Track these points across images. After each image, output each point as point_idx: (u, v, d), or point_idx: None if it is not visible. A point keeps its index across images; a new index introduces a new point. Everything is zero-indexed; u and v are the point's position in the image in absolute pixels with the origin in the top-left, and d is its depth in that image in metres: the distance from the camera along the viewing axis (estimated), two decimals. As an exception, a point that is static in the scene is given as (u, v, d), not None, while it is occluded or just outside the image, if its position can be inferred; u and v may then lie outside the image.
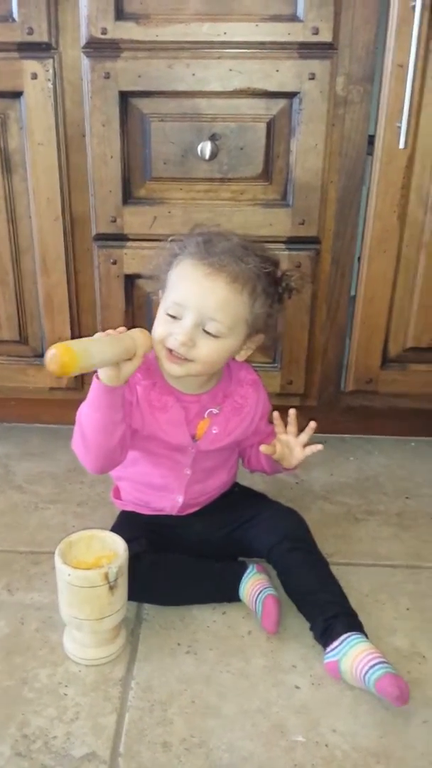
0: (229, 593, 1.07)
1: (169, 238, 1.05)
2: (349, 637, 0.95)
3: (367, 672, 0.90)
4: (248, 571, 1.08)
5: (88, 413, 0.99)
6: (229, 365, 1.11)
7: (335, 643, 0.95)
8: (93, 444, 0.99)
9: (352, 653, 0.93)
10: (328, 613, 0.98)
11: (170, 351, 0.99)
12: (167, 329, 0.99)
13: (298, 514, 1.13)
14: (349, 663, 0.92)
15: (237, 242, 1.01)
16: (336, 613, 0.98)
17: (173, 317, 0.98)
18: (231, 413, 1.09)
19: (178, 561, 1.07)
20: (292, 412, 1.09)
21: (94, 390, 0.96)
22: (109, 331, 0.94)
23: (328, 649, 0.96)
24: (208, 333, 0.97)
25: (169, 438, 1.06)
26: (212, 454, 1.11)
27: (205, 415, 1.08)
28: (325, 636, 0.97)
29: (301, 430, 1.09)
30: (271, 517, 1.11)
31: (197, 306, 0.96)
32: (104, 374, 0.93)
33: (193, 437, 1.07)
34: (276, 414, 1.09)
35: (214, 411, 1.08)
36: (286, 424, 1.09)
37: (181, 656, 0.99)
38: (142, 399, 1.04)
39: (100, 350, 0.90)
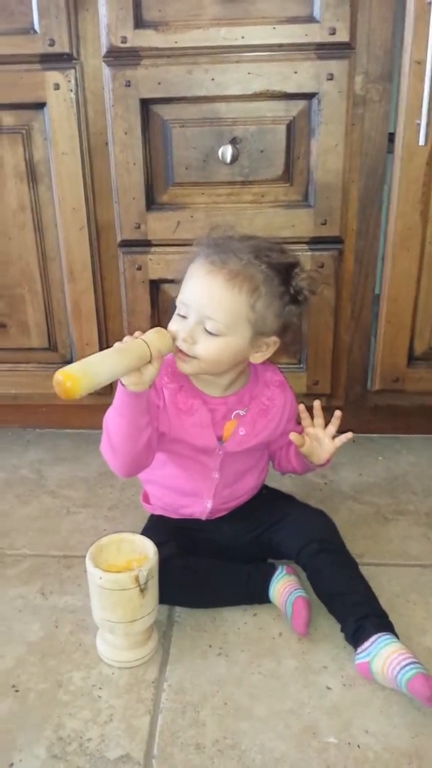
0: (259, 595, 1.08)
1: (195, 241, 1.06)
2: (380, 637, 0.95)
3: (398, 672, 0.90)
4: (278, 572, 1.08)
5: (113, 418, 1.00)
6: (255, 367, 1.11)
7: (366, 644, 0.95)
8: (120, 448, 1.01)
9: (383, 654, 0.93)
10: (358, 613, 0.98)
11: (179, 349, 1.00)
12: (176, 327, 1.00)
13: (326, 515, 1.13)
14: (381, 663, 0.92)
15: (251, 243, 1.01)
16: (366, 613, 0.98)
17: (182, 316, 1.00)
18: (258, 415, 1.09)
19: (207, 564, 1.08)
20: (317, 403, 1.09)
21: (118, 395, 0.98)
22: (117, 344, 0.94)
23: (359, 649, 0.96)
24: (207, 331, 0.98)
25: (195, 441, 1.07)
26: (240, 457, 1.11)
27: (232, 417, 1.08)
28: (356, 637, 0.97)
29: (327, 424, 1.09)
30: (299, 519, 1.12)
31: (197, 304, 0.98)
32: (127, 380, 0.94)
33: (220, 439, 1.08)
34: (301, 407, 1.09)
35: (241, 413, 1.08)
36: (312, 418, 1.09)
37: (212, 658, 1.00)
38: (169, 402, 1.05)
39: (108, 366, 0.90)
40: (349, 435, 1.07)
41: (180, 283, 1.06)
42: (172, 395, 1.06)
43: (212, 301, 0.97)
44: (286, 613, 1.04)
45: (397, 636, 0.96)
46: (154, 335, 0.96)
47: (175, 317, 1.02)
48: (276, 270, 0.99)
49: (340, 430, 1.08)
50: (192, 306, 0.98)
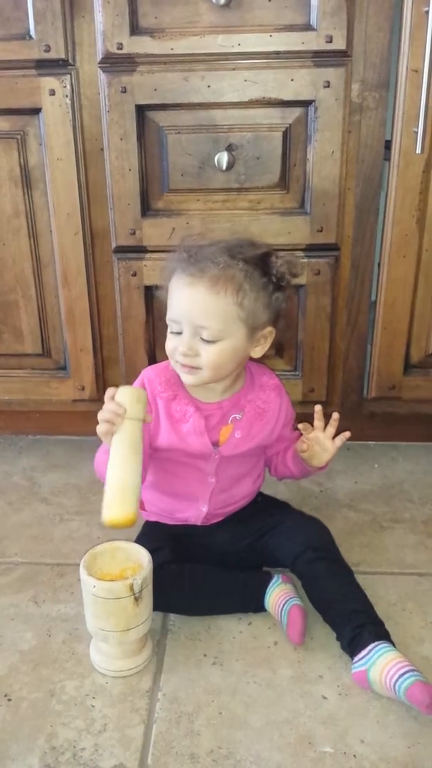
0: (254, 604, 1.07)
1: (167, 258, 1.06)
2: (377, 646, 0.94)
3: (397, 680, 0.89)
4: (273, 581, 1.07)
5: (103, 462, 1.00)
6: (251, 371, 1.11)
7: (363, 653, 0.94)
8: None
9: (380, 662, 0.92)
10: (354, 622, 0.98)
11: (183, 364, 1.01)
12: (173, 344, 1.01)
13: (321, 522, 1.13)
14: (378, 672, 0.92)
15: (221, 246, 1.00)
16: (362, 622, 0.97)
17: (176, 333, 1.01)
18: (254, 418, 1.09)
19: (202, 571, 1.07)
20: (318, 407, 1.08)
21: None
22: (104, 429, 0.95)
23: (356, 658, 0.95)
24: (205, 340, 0.99)
25: (190, 447, 1.06)
26: (236, 461, 1.11)
27: (229, 421, 1.08)
28: (352, 646, 0.97)
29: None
30: (294, 527, 1.11)
31: (187, 318, 0.98)
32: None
33: (216, 443, 1.08)
34: (303, 425, 1.09)
35: (237, 417, 1.08)
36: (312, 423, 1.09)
37: (207, 667, 0.99)
38: (163, 412, 1.05)
39: (125, 473, 0.93)
40: (347, 434, 1.08)
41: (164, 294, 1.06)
42: (166, 404, 1.06)
43: (201, 311, 0.97)
44: (282, 622, 1.03)
45: (394, 644, 0.95)
46: (130, 405, 0.95)
47: (169, 335, 1.02)
48: (253, 264, 0.99)
49: (337, 433, 1.09)
50: (183, 321, 0.99)
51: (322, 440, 1.07)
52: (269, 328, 1.04)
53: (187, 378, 1.03)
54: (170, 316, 1.01)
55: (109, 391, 0.97)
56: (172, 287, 1.01)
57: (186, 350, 0.99)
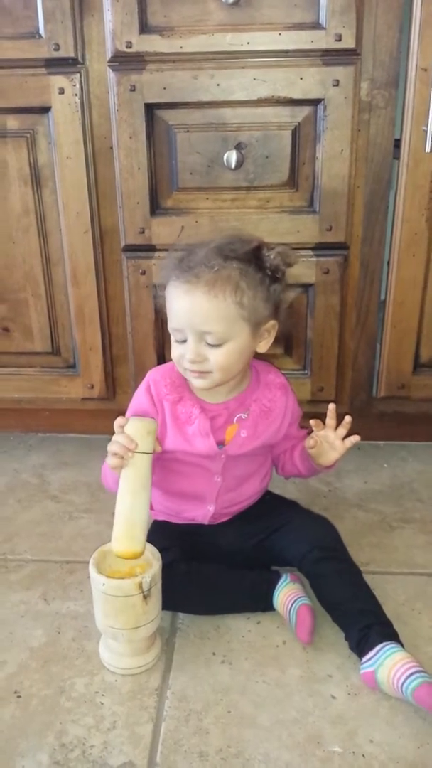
0: (263, 603, 1.07)
1: (159, 266, 1.06)
2: (385, 646, 0.94)
3: (404, 681, 0.89)
4: (282, 580, 1.07)
5: (109, 475, 1.02)
6: (256, 369, 1.12)
7: (371, 653, 0.94)
8: None
9: (388, 663, 0.92)
10: (362, 622, 0.98)
11: (192, 370, 1.01)
12: (179, 352, 1.01)
13: (329, 522, 1.13)
14: (386, 673, 0.92)
15: (211, 247, 0.99)
16: (371, 622, 0.97)
17: (181, 341, 1.01)
18: (259, 417, 1.09)
19: (211, 570, 1.08)
20: (331, 406, 1.08)
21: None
22: (115, 462, 0.96)
23: (364, 659, 0.95)
24: (211, 345, 0.99)
25: (196, 449, 1.07)
26: (242, 461, 1.11)
27: (234, 421, 1.08)
28: (360, 646, 0.97)
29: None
30: (302, 526, 1.11)
31: (189, 325, 0.98)
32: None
33: (222, 443, 1.08)
34: (314, 421, 1.08)
35: (243, 416, 1.08)
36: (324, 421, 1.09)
37: (216, 666, 0.99)
38: (169, 415, 1.06)
39: (133, 510, 0.95)
40: (357, 438, 1.07)
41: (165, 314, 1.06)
42: (171, 407, 1.06)
43: (203, 317, 0.97)
44: (290, 621, 1.03)
45: (402, 645, 0.95)
46: (142, 439, 0.95)
47: (174, 343, 1.02)
48: (246, 260, 0.99)
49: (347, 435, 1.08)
50: (186, 328, 0.99)
51: (332, 439, 1.07)
52: (272, 322, 1.04)
53: (198, 383, 1.03)
54: (172, 325, 1.01)
55: (119, 421, 0.97)
56: (169, 296, 1.01)
57: (194, 357, 0.99)
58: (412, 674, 0.89)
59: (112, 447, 0.96)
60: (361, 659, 0.96)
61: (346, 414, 1.08)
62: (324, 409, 1.40)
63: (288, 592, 1.05)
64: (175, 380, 1.07)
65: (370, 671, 0.94)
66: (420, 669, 0.90)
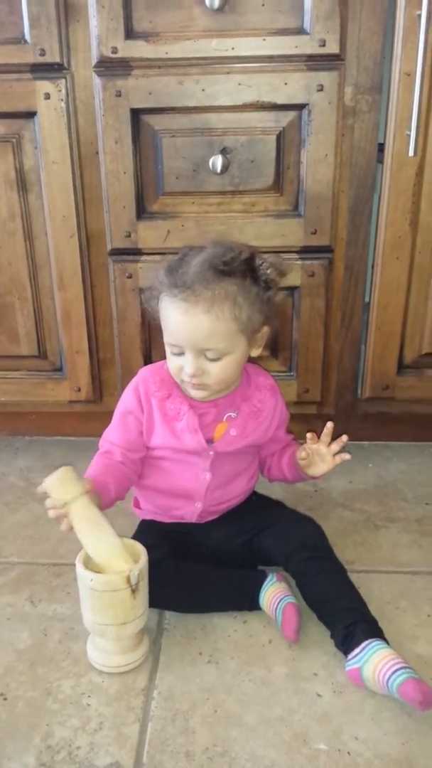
0: (249, 602, 1.08)
1: (150, 278, 1.06)
2: (370, 643, 0.95)
3: (390, 677, 0.90)
4: (268, 579, 1.08)
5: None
6: (247, 371, 1.13)
7: (357, 650, 0.95)
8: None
9: (374, 660, 0.93)
10: (348, 620, 0.99)
11: (191, 382, 1.03)
12: (176, 363, 1.03)
13: (314, 521, 1.14)
14: (372, 669, 0.92)
15: (203, 258, 0.99)
16: (356, 620, 0.98)
17: (178, 354, 1.02)
18: (249, 416, 1.11)
19: (198, 568, 1.08)
20: (329, 424, 1.09)
21: None
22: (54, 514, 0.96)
23: (350, 656, 0.96)
24: (211, 359, 1.00)
25: (184, 445, 1.08)
26: (230, 459, 1.12)
27: (224, 419, 1.09)
28: (346, 643, 0.97)
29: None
30: (287, 525, 1.12)
31: (189, 342, 0.99)
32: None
33: (211, 440, 1.09)
34: (310, 434, 1.09)
35: (233, 415, 1.10)
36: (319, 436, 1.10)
37: (202, 665, 1.00)
38: (157, 411, 1.07)
39: (102, 540, 0.97)
40: (348, 456, 1.09)
41: (152, 311, 1.07)
42: (159, 403, 1.08)
43: (203, 336, 0.98)
44: (276, 620, 1.04)
45: (387, 642, 0.96)
46: (62, 492, 0.95)
47: (170, 355, 1.04)
48: (242, 274, 0.99)
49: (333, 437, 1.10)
50: (183, 345, 1.00)
51: (324, 453, 1.08)
52: (265, 329, 1.06)
53: (196, 394, 1.05)
54: (170, 340, 1.02)
55: (39, 488, 0.97)
56: (165, 311, 1.01)
57: (194, 372, 1.00)
58: (397, 670, 0.90)
59: (50, 514, 0.96)
60: (346, 656, 0.97)
61: (328, 415, 1.10)
62: (310, 411, 1.42)
63: (274, 591, 1.06)
64: (164, 377, 1.08)
65: (355, 668, 0.95)
66: (405, 665, 0.91)
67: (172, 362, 1.04)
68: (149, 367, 1.13)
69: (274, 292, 1.04)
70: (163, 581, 1.02)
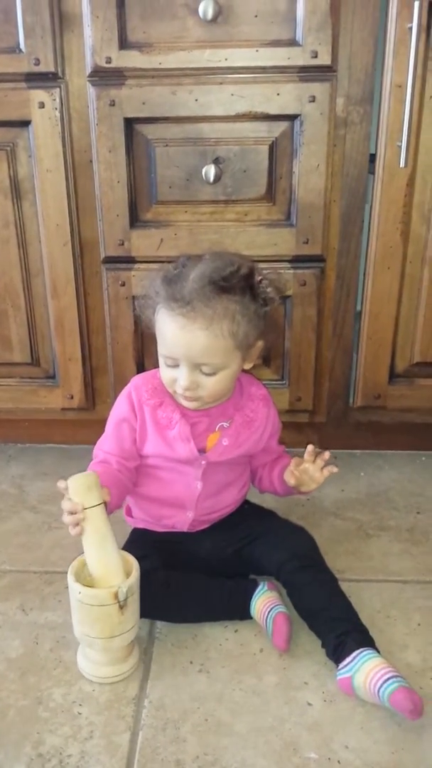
0: (240, 611, 1.08)
1: (147, 287, 1.06)
2: (361, 653, 0.95)
3: (380, 686, 0.91)
4: (259, 588, 1.08)
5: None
6: (240, 381, 1.13)
7: (347, 660, 0.96)
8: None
9: (364, 669, 0.93)
10: (339, 629, 0.99)
11: (184, 395, 1.03)
12: (171, 375, 1.03)
13: (306, 531, 1.14)
14: (363, 678, 0.93)
15: (202, 272, 0.98)
16: (347, 629, 0.99)
17: (173, 366, 1.02)
18: (242, 426, 1.11)
19: (189, 578, 1.08)
20: (310, 447, 1.09)
21: None
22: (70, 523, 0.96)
23: (341, 665, 0.96)
24: (206, 373, 1.01)
25: (176, 453, 1.08)
26: (222, 469, 1.12)
27: (216, 429, 1.10)
28: (337, 652, 0.98)
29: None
30: (279, 535, 1.12)
31: (185, 357, 0.99)
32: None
33: (203, 450, 1.09)
34: (295, 460, 1.10)
35: (225, 425, 1.10)
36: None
37: (193, 674, 1.00)
38: (149, 419, 1.07)
39: (107, 553, 0.97)
40: (335, 469, 1.09)
41: (145, 320, 1.07)
42: (152, 411, 1.08)
43: (200, 352, 0.99)
44: (267, 629, 1.04)
45: (378, 651, 0.96)
46: (85, 497, 0.95)
47: (165, 366, 1.04)
48: (241, 290, 0.99)
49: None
50: (180, 358, 1.00)
51: (312, 472, 1.09)
52: (259, 343, 1.06)
53: (188, 404, 1.05)
54: (166, 353, 1.02)
55: (60, 484, 0.97)
56: (162, 324, 1.01)
57: (188, 385, 1.01)
58: (388, 679, 0.91)
59: (64, 518, 0.96)
60: (337, 666, 0.97)
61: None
62: (302, 419, 1.43)
63: (265, 601, 1.06)
64: (157, 386, 1.09)
65: (346, 677, 0.95)
66: (396, 674, 0.92)
67: (166, 374, 1.04)
68: (141, 375, 1.13)
69: (271, 309, 1.05)
70: (154, 592, 1.02)
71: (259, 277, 1.02)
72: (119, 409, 1.11)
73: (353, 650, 0.96)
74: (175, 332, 0.99)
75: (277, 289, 1.04)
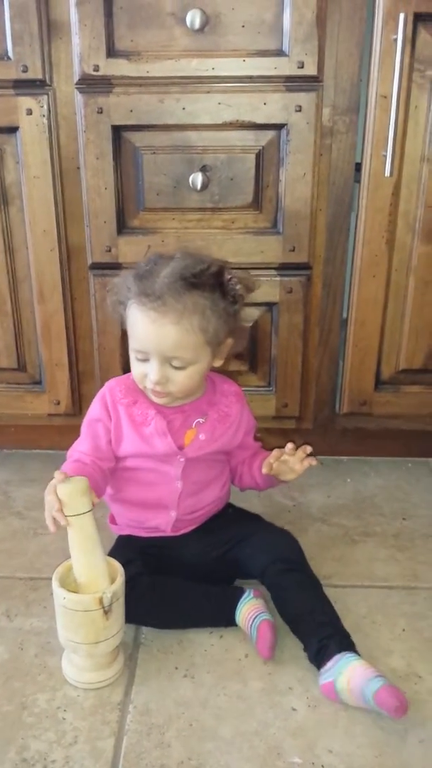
0: (225, 618, 1.08)
1: (116, 281, 1.08)
2: (343, 656, 0.96)
3: (364, 686, 0.91)
4: (245, 596, 1.08)
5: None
6: (212, 379, 1.15)
7: (329, 664, 0.96)
8: None
9: (347, 672, 0.94)
10: (321, 634, 0.99)
11: (153, 389, 1.04)
12: (141, 370, 1.04)
13: (291, 535, 1.15)
14: (345, 681, 0.93)
15: (173, 269, 1.00)
16: (329, 633, 0.99)
17: (143, 360, 1.03)
18: (217, 421, 1.12)
19: (175, 584, 1.09)
20: (290, 445, 1.09)
21: None
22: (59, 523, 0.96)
23: (323, 669, 0.97)
24: (176, 367, 1.02)
25: (154, 449, 1.09)
26: (201, 466, 1.13)
27: (193, 425, 1.11)
28: (319, 657, 0.98)
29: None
30: (264, 538, 1.13)
31: (156, 350, 1.01)
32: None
33: (181, 447, 1.10)
34: (275, 451, 1.11)
35: (201, 420, 1.11)
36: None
37: (178, 680, 1.00)
38: (125, 417, 1.08)
39: (94, 560, 0.97)
40: (315, 462, 1.09)
41: (116, 316, 1.09)
42: (126, 409, 1.09)
43: (170, 346, 1.00)
44: (252, 637, 1.05)
45: (359, 655, 0.97)
46: (76, 501, 0.95)
47: (136, 362, 1.05)
48: (211, 288, 1.01)
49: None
50: (150, 352, 1.01)
51: (291, 463, 1.09)
52: (229, 340, 1.08)
53: (158, 400, 1.06)
54: (136, 347, 1.03)
55: (53, 482, 0.96)
56: (133, 319, 1.02)
57: (159, 379, 1.02)
58: (371, 678, 0.91)
59: (46, 512, 0.96)
60: (319, 670, 0.98)
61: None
62: (288, 425, 1.44)
63: (250, 608, 1.06)
64: (130, 386, 1.10)
65: (329, 682, 0.95)
66: (378, 674, 0.92)
67: (137, 368, 1.05)
68: (116, 378, 1.15)
69: (240, 306, 1.07)
70: (139, 598, 1.02)
71: (229, 276, 1.04)
72: (93, 410, 1.12)
73: (335, 654, 0.96)
74: (146, 326, 1.00)
75: (246, 287, 1.06)
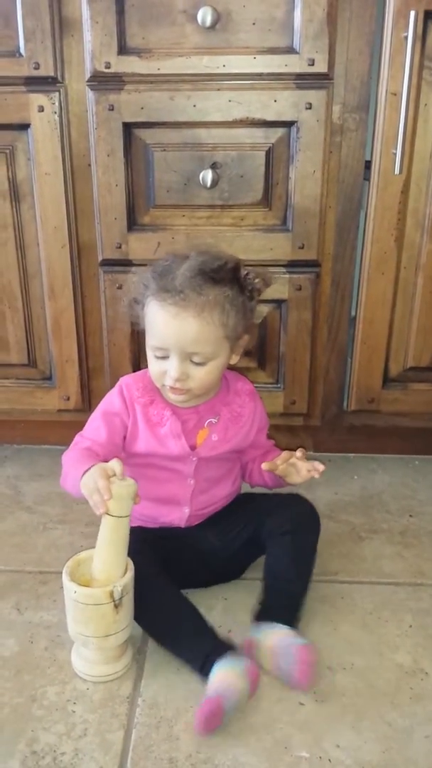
0: (201, 664, 0.97)
1: (136, 281, 1.09)
2: (277, 624, 1.00)
3: (290, 641, 0.97)
4: (231, 660, 0.95)
5: (74, 486, 1.01)
6: (226, 378, 1.15)
7: (263, 625, 1.00)
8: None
9: (276, 632, 0.99)
10: (276, 601, 1.04)
11: (171, 386, 1.04)
12: (160, 368, 1.04)
13: (309, 503, 1.15)
14: (269, 641, 0.98)
15: (191, 265, 1.01)
16: (283, 604, 1.04)
17: (162, 358, 1.03)
18: (230, 421, 1.13)
19: (176, 600, 1.03)
20: (299, 452, 1.09)
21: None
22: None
23: (255, 625, 1.01)
24: (196, 363, 1.02)
25: (168, 450, 1.09)
26: (213, 464, 1.14)
27: (205, 425, 1.11)
28: (260, 616, 1.03)
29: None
30: (280, 504, 1.15)
31: (176, 346, 1.01)
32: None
33: (194, 446, 1.11)
34: (285, 453, 1.11)
35: (213, 421, 1.12)
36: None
37: (186, 674, 1.01)
38: (141, 417, 1.09)
39: (117, 564, 0.97)
40: (321, 467, 1.08)
41: (133, 316, 1.09)
42: (143, 409, 1.09)
43: (191, 340, 1.00)
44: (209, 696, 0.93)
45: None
46: (125, 502, 0.94)
47: (154, 360, 1.05)
48: (230, 283, 1.02)
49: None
50: (171, 348, 1.02)
51: (299, 466, 1.09)
52: (246, 336, 1.09)
53: (176, 398, 1.06)
54: (156, 344, 1.03)
55: (108, 471, 0.95)
56: (153, 316, 1.03)
57: (179, 376, 1.02)
58: (296, 636, 0.98)
59: (94, 497, 0.93)
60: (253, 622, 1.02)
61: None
62: (296, 422, 1.44)
63: (225, 674, 0.94)
64: (146, 384, 1.10)
65: (253, 638, 0.99)
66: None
67: (156, 366, 1.05)
68: (130, 375, 1.15)
69: (256, 302, 1.08)
70: (139, 596, 1.01)
71: (245, 271, 1.05)
72: (111, 404, 1.11)
73: (272, 620, 1.00)
74: (167, 321, 1.00)
75: (263, 281, 1.07)
